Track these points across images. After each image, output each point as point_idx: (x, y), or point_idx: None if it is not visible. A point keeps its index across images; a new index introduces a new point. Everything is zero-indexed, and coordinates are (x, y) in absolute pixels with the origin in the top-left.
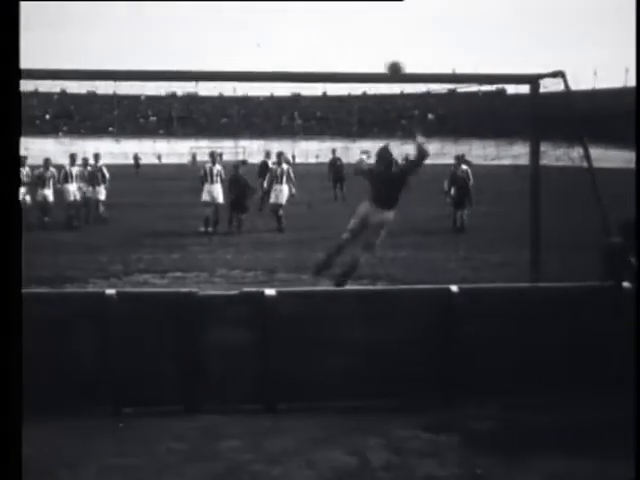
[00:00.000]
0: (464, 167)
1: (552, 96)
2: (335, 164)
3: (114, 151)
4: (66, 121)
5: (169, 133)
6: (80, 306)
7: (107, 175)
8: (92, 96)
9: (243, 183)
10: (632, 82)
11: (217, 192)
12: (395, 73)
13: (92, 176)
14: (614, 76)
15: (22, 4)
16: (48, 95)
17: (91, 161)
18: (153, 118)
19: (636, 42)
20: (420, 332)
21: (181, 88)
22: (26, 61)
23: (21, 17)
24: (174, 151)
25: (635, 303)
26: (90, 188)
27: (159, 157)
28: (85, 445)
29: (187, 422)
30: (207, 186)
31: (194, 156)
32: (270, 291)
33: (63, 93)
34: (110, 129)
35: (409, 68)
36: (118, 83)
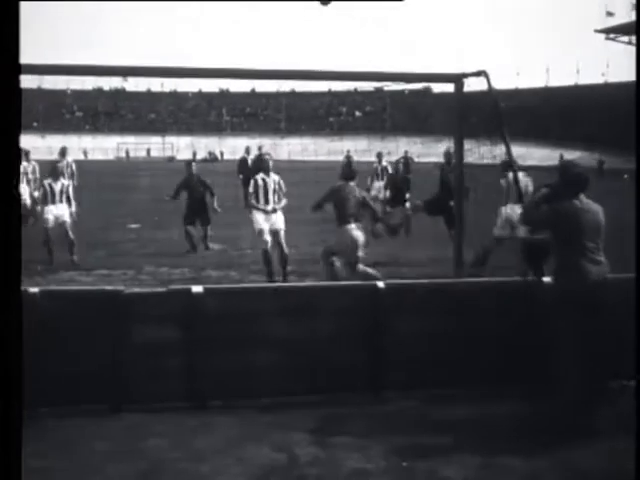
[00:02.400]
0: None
1: (475, 95)
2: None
3: (39, 146)
4: None
5: (95, 128)
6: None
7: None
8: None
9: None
10: (553, 82)
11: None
12: None
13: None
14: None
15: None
16: None
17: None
18: (79, 113)
19: (636, 42)
20: (347, 328)
21: (108, 83)
22: None
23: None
24: (100, 146)
25: (635, 303)
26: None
27: (85, 153)
28: None
29: (112, 421)
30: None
31: (127, 152)
32: (197, 288)
33: None
34: (34, 124)
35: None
36: (42, 77)
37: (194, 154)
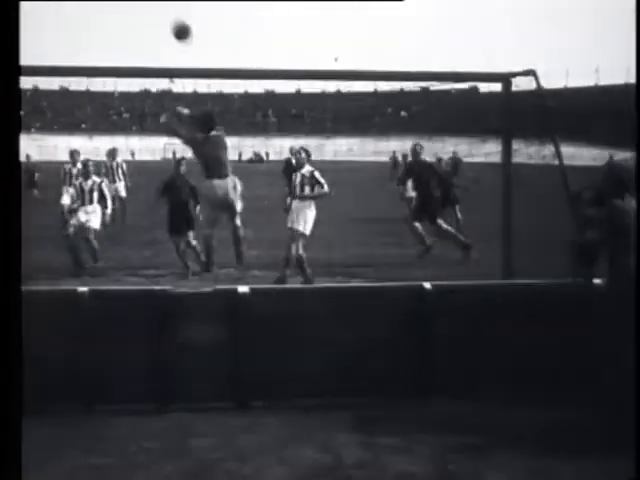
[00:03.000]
0: None
1: (524, 94)
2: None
3: (87, 147)
4: (38, 117)
5: (142, 129)
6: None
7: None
8: (65, 92)
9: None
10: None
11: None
12: (181, 34)
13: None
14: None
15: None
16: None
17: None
18: (126, 115)
19: (636, 42)
20: (393, 330)
21: (154, 85)
22: None
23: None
24: (147, 147)
25: (635, 303)
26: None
27: (132, 153)
28: (55, 444)
29: (159, 421)
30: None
31: (174, 152)
32: (243, 288)
33: (35, 90)
34: (83, 126)
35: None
36: (91, 80)
37: (239, 154)
